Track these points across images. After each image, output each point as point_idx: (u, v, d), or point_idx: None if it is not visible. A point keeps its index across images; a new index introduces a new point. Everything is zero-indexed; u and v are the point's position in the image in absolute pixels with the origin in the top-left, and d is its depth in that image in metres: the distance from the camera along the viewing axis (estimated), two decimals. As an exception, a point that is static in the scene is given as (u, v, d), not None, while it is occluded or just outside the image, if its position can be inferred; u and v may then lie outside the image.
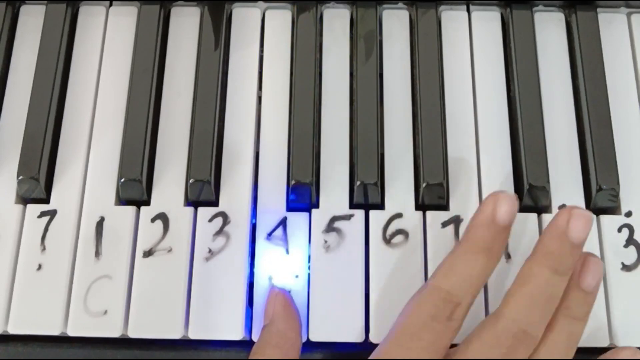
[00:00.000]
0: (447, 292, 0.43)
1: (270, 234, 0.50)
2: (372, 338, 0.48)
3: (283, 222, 0.50)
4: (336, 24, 0.56)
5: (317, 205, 0.50)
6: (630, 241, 0.50)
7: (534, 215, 0.50)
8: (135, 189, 0.50)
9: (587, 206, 0.51)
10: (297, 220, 0.50)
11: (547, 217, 0.50)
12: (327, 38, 0.55)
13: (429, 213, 0.50)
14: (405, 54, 0.55)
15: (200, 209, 0.50)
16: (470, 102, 0.53)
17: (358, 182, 0.50)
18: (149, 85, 0.52)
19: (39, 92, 0.52)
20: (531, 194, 0.50)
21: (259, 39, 0.55)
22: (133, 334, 0.48)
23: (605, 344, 0.48)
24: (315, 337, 0.48)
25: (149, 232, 0.50)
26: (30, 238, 0.49)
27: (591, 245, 0.49)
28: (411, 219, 0.50)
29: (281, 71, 0.54)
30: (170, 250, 0.49)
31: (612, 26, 0.56)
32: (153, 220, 0.50)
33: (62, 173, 0.51)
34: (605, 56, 0.54)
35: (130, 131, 0.51)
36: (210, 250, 0.49)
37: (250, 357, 0.46)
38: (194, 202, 0.51)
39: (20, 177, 0.50)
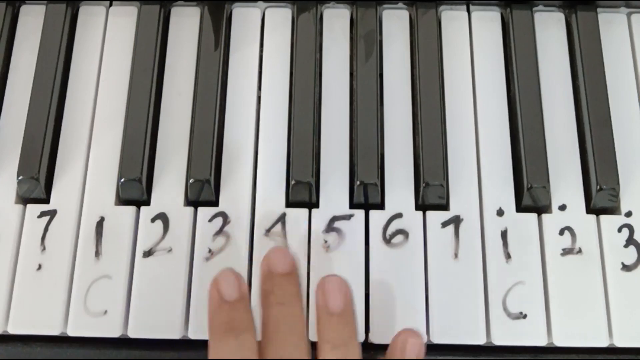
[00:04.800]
0: None
1: (268, 230, 0.50)
2: (372, 338, 0.48)
3: (282, 218, 0.50)
4: (336, 24, 0.56)
5: (317, 205, 0.50)
6: (630, 241, 0.50)
7: (533, 215, 0.50)
8: (135, 189, 0.50)
9: (587, 206, 0.51)
10: (296, 216, 0.50)
11: (547, 217, 0.50)
12: (327, 38, 0.55)
13: (429, 213, 0.50)
14: (405, 54, 0.55)
15: (200, 209, 0.50)
16: (470, 102, 0.53)
17: (358, 182, 0.50)
18: (149, 85, 0.52)
19: (39, 92, 0.52)
20: (531, 194, 0.50)
21: (259, 39, 0.55)
22: (133, 334, 0.48)
23: (605, 344, 0.48)
24: (315, 337, 0.47)
25: (149, 232, 0.50)
26: (30, 238, 0.49)
27: (591, 245, 0.49)
28: (411, 219, 0.50)
29: (281, 71, 0.54)
30: (170, 250, 0.49)
31: (612, 26, 0.56)
32: (153, 220, 0.50)
33: (62, 173, 0.51)
34: (605, 56, 0.54)
35: (130, 131, 0.51)
36: (210, 250, 0.49)
37: None
38: (194, 202, 0.51)
39: (20, 177, 0.50)
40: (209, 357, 0.43)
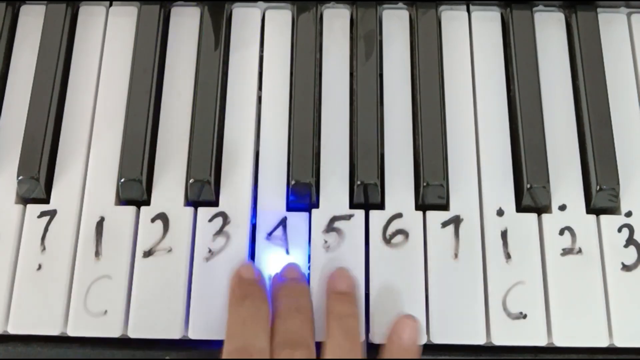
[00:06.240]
0: (234, 349, 0.44)
1: (270, 234, 0.50)
2: (373, 338, 0.48)
3: (283, 222, 0.50)
4: (336, 24, 0.56)
5: (317, 205, 0.50)
6: (630, 241, 0.50)
7: (533, 215, 0.50)
8: (135, 189, 0.50)
9: (587, 206, 0.51)
10: (297, 220, 0.50)
11: (547, 217, 0.50)
12: (327, 38, 0.55)
13: (429, 213, 0.50)
14: (405, 54, 0.55)
15: (200, 209, 0.50)
16: (470, 102, 0.53)
17: (358, 182, 0.50)
18: (149, 85, 0.52)
19: (39, 92, 0.52)
20: (531, 194, 0.50)
21: (259, 39, 0.55)
22: (133, 334, 0.48)
23: (605, 343, 0.48)
24: (316, 337, 0.47)
25: (149, 232, 0.50)
26: (30, 238, 0.49)
27: (591, 245, 0.49)
28: (411, 219, 0.50)
29: (281, 71, 0.54)
30: (170, 250, 0.49)
31: (612, 26, 0.56)
32: (153, 220, 0.50)
33: (62, 173, 0.51)
34: (605, 56, 0.54)
35: (130, 131, 0.51)
36: (210, 250, 0.49)
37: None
38: (194, 202, 0.51)
39: (20, 177, 0.50)
40: (228, 321, 0.46)
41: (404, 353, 0.46)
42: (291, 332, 0.45)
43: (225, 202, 0.50)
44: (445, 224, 0.50)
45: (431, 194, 0.50)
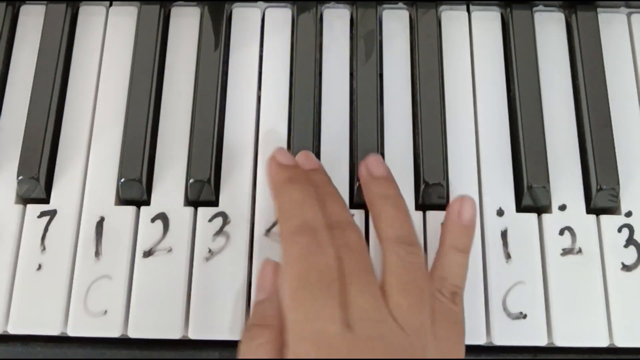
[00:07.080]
0: (297, 226, 0.44)
1: (268, 230, 0.50)
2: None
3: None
4: (336, 24, 0.56)
5: (317, 205, 0.50)
6: (630, 241, 0.50)
7: (534, 215, 0.50)
8: (135, 189, 0.50)
9: (588, 206, 0.51)
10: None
11: (547, 217, 0.50)
12: (327, 38, 0.55)
13: (429, 213, 0.50)
14: (405, 54, 0.55)
15: (200, 209, 0.50)
16: (470, 102, 0.53)
17: (358, 182, 0.50)
18: (149, 85, 0.52)
19: (39, 92, 0.52)
20: (531, 194, 0.50)
21: (259, 39, 0.55)
22: (133, 334, 0.48)
23: (605, 343, 0.48)
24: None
25: (149, 232, 0.50)
26: (30, 238, 0.49)
27: (591, 245, 0.49)
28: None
29: (281, 71, 0.54)
30: (170, 250, 0.49)
31: (612, 26, 0.56)
32: (153, 220, 0.50)
33: (62, 173, 0.51)
34: (605, 56, 0.54)
35: (130, 131, 0.51)
36: (210, 250, 0.49)
37: (246, 334, 0.44)
38: (194, 202, 0.51)
39: (20, 177, 0.50)
40: (276, 205, 0.46)
41: (462, 229, 0.47)
42: (335, 214, 0.45)
43: (225, 202, 0.50)
44: (445, 224, 0.50)
45: (431, 194, 0.50)
